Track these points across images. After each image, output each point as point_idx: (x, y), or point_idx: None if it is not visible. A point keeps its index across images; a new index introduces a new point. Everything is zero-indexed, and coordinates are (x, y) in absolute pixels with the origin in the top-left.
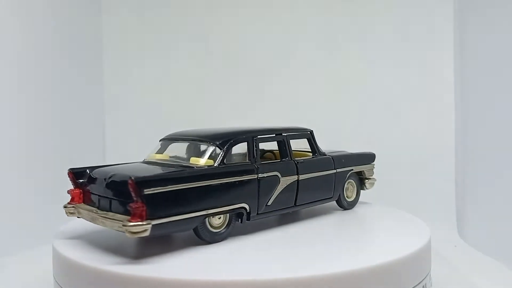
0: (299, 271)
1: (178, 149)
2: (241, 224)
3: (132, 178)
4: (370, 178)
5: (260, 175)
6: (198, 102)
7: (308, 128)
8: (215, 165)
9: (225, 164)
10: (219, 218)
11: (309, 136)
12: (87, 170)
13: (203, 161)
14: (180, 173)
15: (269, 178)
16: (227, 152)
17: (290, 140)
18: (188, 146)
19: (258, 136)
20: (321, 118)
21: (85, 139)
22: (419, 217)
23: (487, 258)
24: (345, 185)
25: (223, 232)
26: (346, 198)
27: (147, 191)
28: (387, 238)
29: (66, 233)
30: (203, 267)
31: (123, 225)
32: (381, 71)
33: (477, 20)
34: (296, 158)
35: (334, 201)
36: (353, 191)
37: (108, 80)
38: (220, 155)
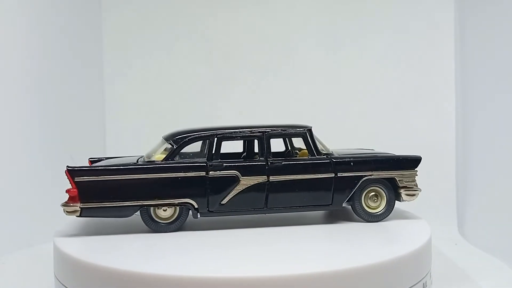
0: (297, 269)
1: (160, 145)
2: (196, 219)
3: (67, 167)
4: (408, 188)
5: (211, 173)
6: (199, 99)
7: (306, 125)
8: (161, 160)
9: (173, 160)
10: (165, 210)
11: (304, 135)
12: (103, 159)
13: (156, 157)
14: (115, 166)
15: (221, 177)
16: (178, 149)
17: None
18: (161, 142)
19: (221, 135)
20: (322, 116)
21: (86, 136)
22: (419, 215)
23: (488, 256)
24: (364, 193)
25: (171, 225)
26: (366, 209)
27: (78, 179)
28: (387, 235)
29: (67, 231)
30: (207, 264)
31: (61, 205)
32: (381, 69)
33: (478, 18)
34: (276, 158)
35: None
36: (379, 201)
37: (108, 77)
38: (170, 152)
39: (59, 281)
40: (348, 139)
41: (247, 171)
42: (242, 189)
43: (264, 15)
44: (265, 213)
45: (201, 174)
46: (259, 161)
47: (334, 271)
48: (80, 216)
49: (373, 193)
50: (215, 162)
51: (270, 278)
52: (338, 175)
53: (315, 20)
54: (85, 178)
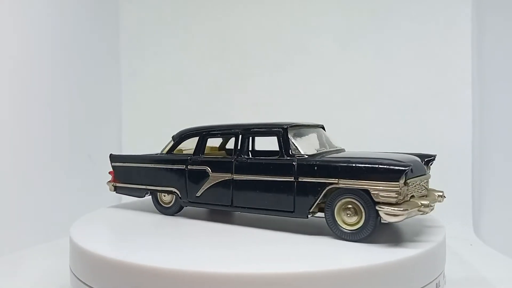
0: (313, 266)
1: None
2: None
3: (110, 154)
4: (385, 205)
5: (189, 167)
6: (213, 96)
7: (286, 124)
8: (163, 153)
9: (171, 153)
10: (165, 195)
11: (278, 134)
12: None
13: (164, 151)
14: (130, 156)
15: (196, 171)
16: (176, 144)
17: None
18: None
19: (205, 132)
20: (336, 114)
21: (102, 134)
22: (434, 215)
23: (503, 257)
24: (337, 204)
25: (169, 209)
26: (339, 223)
27: (113, 164)
28: (401, 234)
29: (83, 226)
30: (216, 260)
31: (106, 183)
32: (397, 68)
33: (495, 16)
34: (244, 157)
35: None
36: (356, 216)
37: (125, 76)
38: (170, 146)
39: (75, 275)
40: (362, 137)
41: (216, 167)
42: (211, 184)
43: (280, 13)
44: (232, 211)
45: (182, 167)
46: (226, 158)
47: (347, 269)
48: (115, 191)
49: (349, 206)
50: (194, 157)
51: (288, 275)
52: (299, 179)
53: (330, 18)
54: (117, 164)
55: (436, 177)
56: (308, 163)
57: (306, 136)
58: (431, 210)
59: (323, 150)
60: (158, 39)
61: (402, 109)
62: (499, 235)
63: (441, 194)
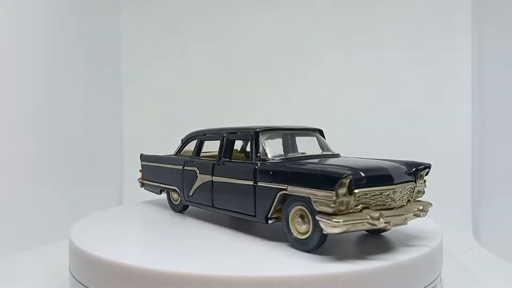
0: (311, 270)
1: None
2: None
3: (141, 154)
4: (324, 215)
5: (185, 167)
6: (214, 100)
7: (258, 128)
8: (174, 154)
9: (179, 154)
10: (174, 193)
11: (251, 138)
12: None
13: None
14: (153, 155)
15: (189, 171)
16: (183, 146)
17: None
18: None
19: (202, 135)
20: (336, 118)
21: (103, 137)
22: (434, 219)
23: (502, 262)
24: (291, 212)
25: (177, 205)
26: (292, 231)
27: (142, 163)
28: (398, 238)
29: (83, 228)
30: (220, 262)
31: (137, 180)
32: (397, 72)
33: (495, 21)
34: (226, 159)
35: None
36: (306, 225)
37: (125, 79)
38: (178, 148)
39: (74, 277)
40: (361, 143)
41: (202, 169)
42: (199, 184)
43: (280, 17)
44: (213, 211)
45: (179, 168)
46: (210, 161)
47: (343, 272)
48: (143, 187)
49: (300, 214)
50: (190, 159)
51: (288, 278)
52: (258, 184)
53: (331, 22)
54: (144, 163)
55: (436, 181)
56: (267, 168)
57: (287, 140)
58: (389, 224)
59: (297, 155)
60: (159, 42)
61: (402, 115)
62: (499, 239)
63: (421, 208)
